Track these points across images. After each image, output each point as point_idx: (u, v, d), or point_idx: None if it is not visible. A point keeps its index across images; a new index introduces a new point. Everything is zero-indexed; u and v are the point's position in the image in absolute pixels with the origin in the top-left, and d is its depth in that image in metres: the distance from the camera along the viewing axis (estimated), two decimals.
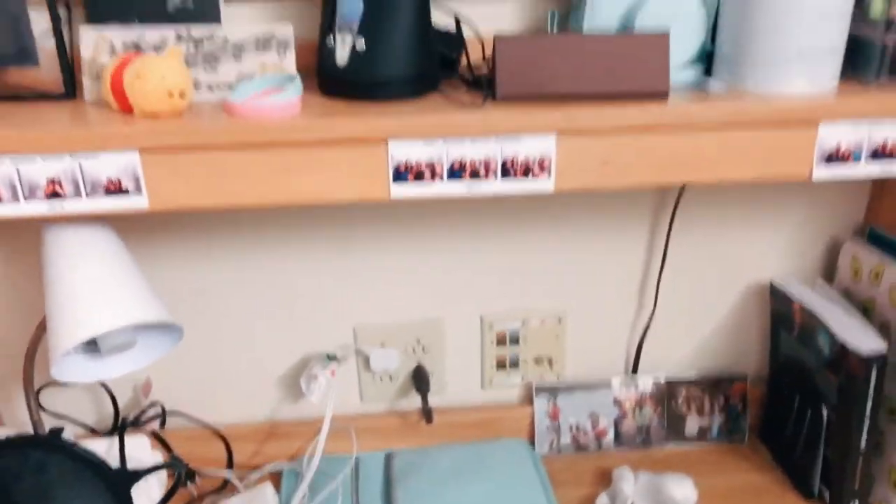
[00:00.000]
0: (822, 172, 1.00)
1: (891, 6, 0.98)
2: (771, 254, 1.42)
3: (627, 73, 0.95)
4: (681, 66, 1.04)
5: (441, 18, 1.05)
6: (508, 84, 0.94)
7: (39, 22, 0.95)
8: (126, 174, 0.87)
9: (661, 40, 0.94)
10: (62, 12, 0.96)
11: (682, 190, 1.33)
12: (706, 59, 1.07)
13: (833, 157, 0.99)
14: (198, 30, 0.94)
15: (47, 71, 0.96)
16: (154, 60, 0.86)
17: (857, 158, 1.00)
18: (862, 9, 0.99)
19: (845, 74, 1.03)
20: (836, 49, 0.97)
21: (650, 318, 1.43)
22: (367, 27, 0.92)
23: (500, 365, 1.44)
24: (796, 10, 0.94)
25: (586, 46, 0.94)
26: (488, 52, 1.07)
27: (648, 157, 0.95)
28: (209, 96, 0.95)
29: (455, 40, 1.04)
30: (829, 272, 1.44)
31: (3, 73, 0.96)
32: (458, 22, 1.04)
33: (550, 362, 1.45)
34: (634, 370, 1.47)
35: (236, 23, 1.08)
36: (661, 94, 0.95)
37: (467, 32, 1.06)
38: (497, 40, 0.93)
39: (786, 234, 1.41)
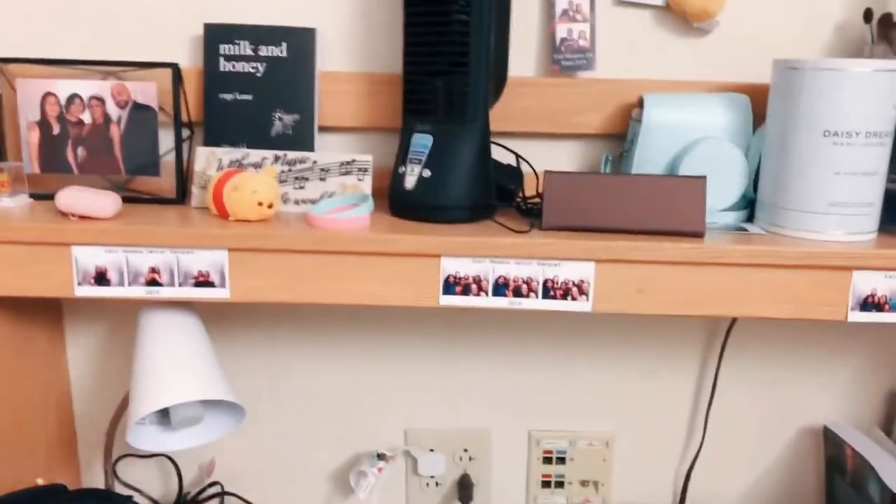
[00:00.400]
0: (857, 316, 1.04)
1: None
2: (826, 396, 1.41)
3: (665, 213, 1.03)
4: (723, 210, 1.12)
5: (504, 155, 1.18)
6: (555, 215, 1.04)
7: (165, 140, 1.14)
8: (214, 269, 1.01)
9: (698, 184, 1.03)
10: (185, 132, 1.15)
11: (733, 321, 1.37)
12: (748, 206, 1.14)
13: (868, 303, 1.03)
14: (293, 154, 1.10)
15: (165, 180, 1.14)
16: (250, 176, 1.02)
17: (894, 306, 1.03)
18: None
19: (885, 227, 1.08)
20: (871, 203, 1.03)
21: (699, 450, 1.43)
22: (434, 160, 1.06)
23: (546, 483, 1.46)
24: (828, 168, 1.02)
25: (628, 186, 1.04)
26: (542, 186, 1.19)
27: (682, 290, 1.02)
28: (295, 209, 1.11)
29: (514, 174, 1.16)
30: (888, 420, 1.41)
31: (130, 179, 1.15)
32: (518, 159, 1.17)
33: (597, 485, 1.46)
34: (682, 502, 1.45)
35: (327, 147, 1.24)
36: (696, 234, 1.03)
37: (526, 168, 1.19)
38: (547, 175, 1.05)
39: (843, 378, 1.41)
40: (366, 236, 1.00)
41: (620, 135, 1.22)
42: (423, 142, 1.07)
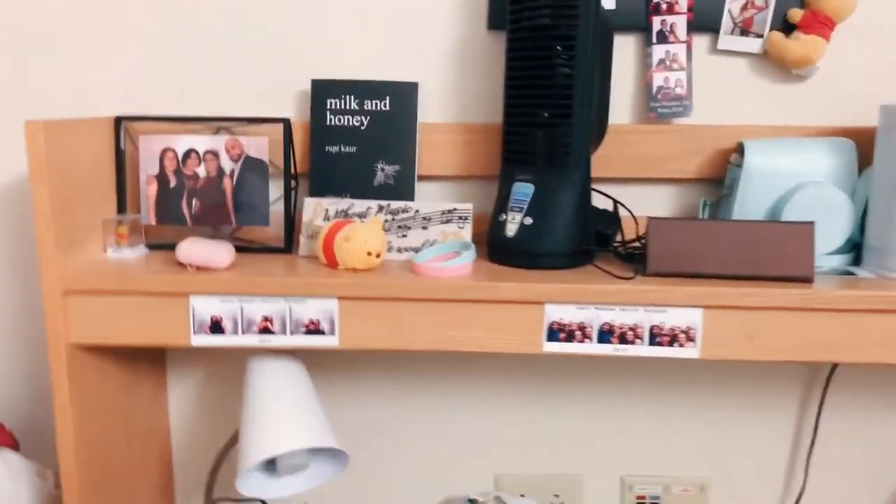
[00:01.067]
0: None
1: None
2: None
3: (773, 258, 1.03)
4: (829, 254, 1.11)
5: (600, 200, 1.19)
6: (659, 261, 1.05)
7: (274, 191, 1.19)
8: (324, 317, 1.04)
9: (806, 229, 1.02)
10: (292, 183, 1.20)
11: (834, 366, 1.34)
12: (854, 249, 1.13)
13: None
14: (396, 203, 1.14)
15: (273, 229, 1.19)
16: (360, 227, 1.06)
17: None
18: None
19: None
20: None
21: (798, 498, 1.38)
22: (535, 207, 1.08)
23: None
24: None
25: (734, 232, 1.04)
26: (641, 231, 1.20)
27: (791, 336, 1.00)
28: (398, 257, 1.14)
29: (611, 219, 1.17)
30: None
31: (239, 229, 1.20)
32: (615, 204, 1.18)
33: None
34: None
35: (425, 196, 1.28)
36: (805, 279, 1.02)
37: (623, 213, 1.20)
38: (651, 222, 1.05)
39: None
40: (470, 284, 1.02)
41: (717, 179, 1.22)
42: (524, 190, 1.09)
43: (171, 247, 1.11)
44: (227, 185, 1.18)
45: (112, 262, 1.11)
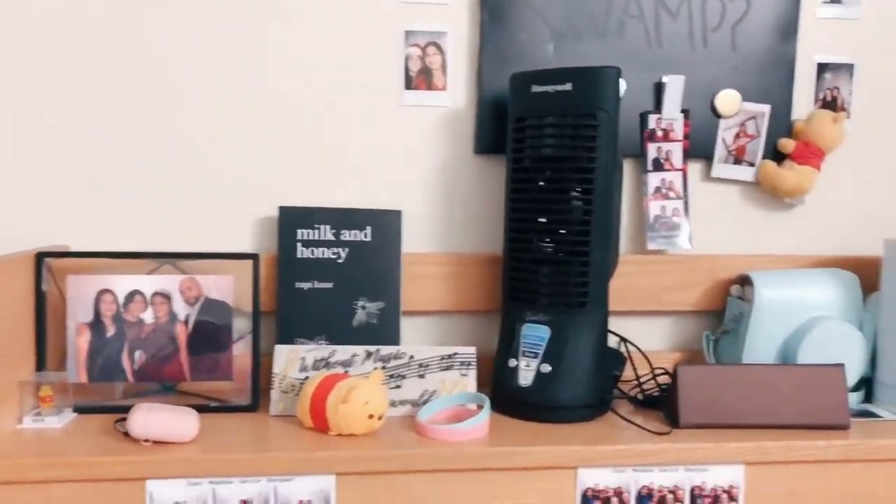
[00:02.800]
0: None
1: None
2: None
3: (806, 405, 0.96)
4: None
5: None
6: (691, 413, 0.95)
7: (237, 338, 1.01)
8: (318, 497, 0.86)
9: (836, 373, 0.97)
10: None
11: None
12: (864, 384, 1.09)
13: None
14: (387, 349, 0.98)
15: (237, 383, 1.00)
16: (358, 384, 0.89)
17: None
18: None
19: None
20: None
21: None
22: (553, 353, 0.96)
23: None
24: None
25: (764, 378, 0.96)
26: (650, 367, 1.10)
27: (833, 489, 0.93)
28: (393, 412, 0.97)
29: (619, 359, 1.07)
30: None
31: (195, 385, 0.99)
32: (622, 341, 1.09)
33: None
34: None
35: (410, 334, 1.13)
36: (841, 426, 0.96)
37: (625, 349, 1.10)
38: (680, 370, 0.96)
39: None
40: (494, 451, 0.88)
41: (716, 311, 1.16)
42: (538, 333, 0.98)
43: (106, 410, 0.90)
44: (181, 332, 0.98)
45: (30, 434, 0.88)
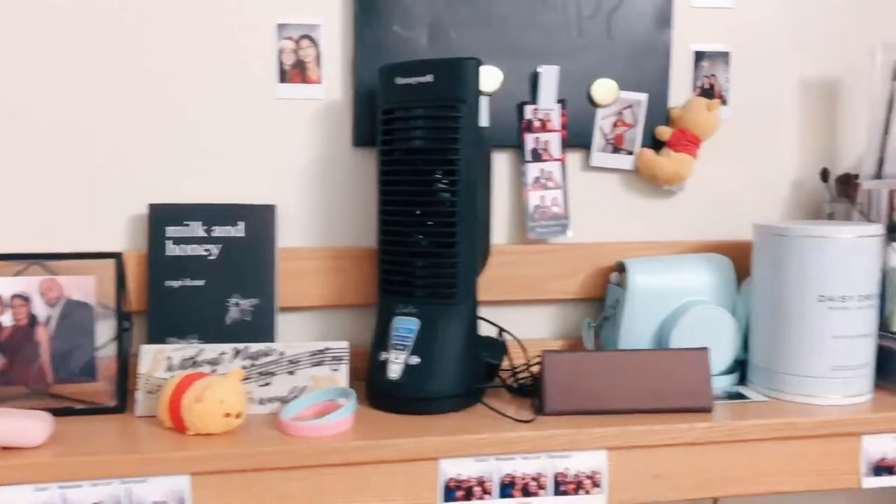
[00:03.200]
0: (871, 482, 0.99)
1: None
2: None
3: (671, 389, 0.97)
4: (716, 375, 1.08)
5: (484, 326, 1.10)
6: (557, 400, 0.96)
7: (102, 338, 0.99)
8: (173, 498, 0.85)
9: (701, 356, 0.98)
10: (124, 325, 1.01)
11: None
12: (738, 367, 1.11)
13: (881, 467, 0.99)
14: (256, 346, 0.98)
15: (102, 385, 0.98)
16: (215, 382, 0.88)
17: None
18: (884, 322, 1.06)
19: (877, 383, 1.06)
20: (867, 364, 1.02)
21: None
22: (422, 345, 0.96)
23: None
24: (827, 333, 0.99)
25: (630, 362, 0.97)
26: (527, 357, 1.11)
27: (698, 471, 0.95)
28: (261, 409, 0.96)
29: (497, 348, 1.08)
30: None
31: (59, 388, 0.97)
32: (501, 331, 1.10)
33: None
34: None
35: (288, 330, 1.12)
36: (704, 409, 0.97)
37: (508, 338, 1.11)
38: (546, 357, 0.97)
39: None
40: (353, 445, 0.87)
41: (598, 299, 1.17)
42: (407, 325, 0.98)
43: None
44: (42, 334, 0.96)
45: None
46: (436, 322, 0.97)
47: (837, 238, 0.99)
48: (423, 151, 0.97)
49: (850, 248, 0.99)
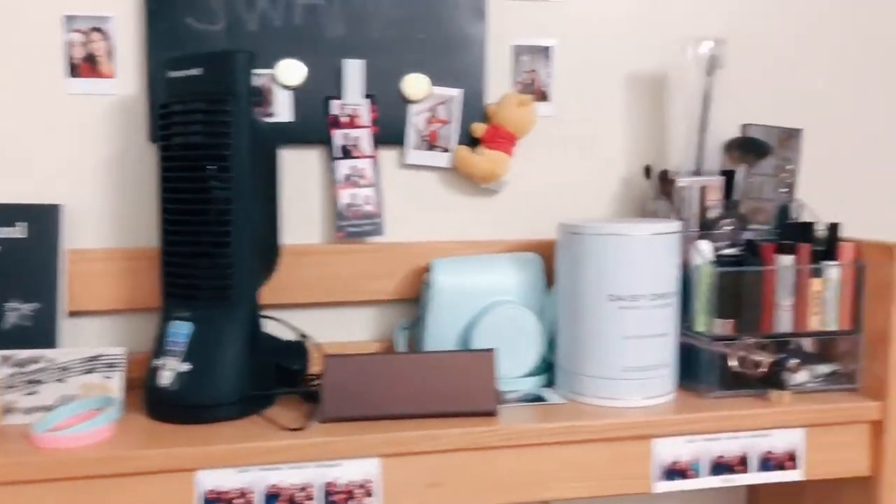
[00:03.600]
0: (662, 486, 0.97)
1: (713, 319, 1.02)
2: None
3: (455, 393, 0.94)
4: (520, 377, 1.05)
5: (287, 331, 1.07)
6: (335, 406, 0.92)
7: None
8: None
9: (486, 358, 0.95)
10: None
11: None
12: (549, 368, 1.08)
13: (673, 471, 0.97)
14: (25, 353, 0.93)
15: None
16: None
17: (697, 471, 0.98)
18: (688, 322, 1.04)
19: (683, 384, 1.05)
20: (665, 364, 1.00)
21: None
22: (194, 351, 0.92)
23: None
24: (618, 333, 0.97)
25: (413, 366, 0.94)
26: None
27: (480, 477, 0.92)
28: (25, 419, 0.92)
29: (298, 353, 1.04)
30: None
31: None
32: (302, 336, 1.06)
33: None
34: None
35: (78, 336, 1.07)
36: (488, 413, 0.94)
37: (314, 343, 1.07)
38: (326, 360, 0.93)
39: None
40: (100, 455, 0.83)
41: (415, 299, 1.14)
42: (181, 330, 0.94)
43: None
44: None
45: None
46: (211, 326, 0.93)
47: (628, 236, 0.96)
48: (196, 147, 0.93)
49: (642, 246, 0.97)
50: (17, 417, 0.92)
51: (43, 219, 1.01)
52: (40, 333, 1.00)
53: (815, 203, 1.15)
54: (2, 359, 0.93)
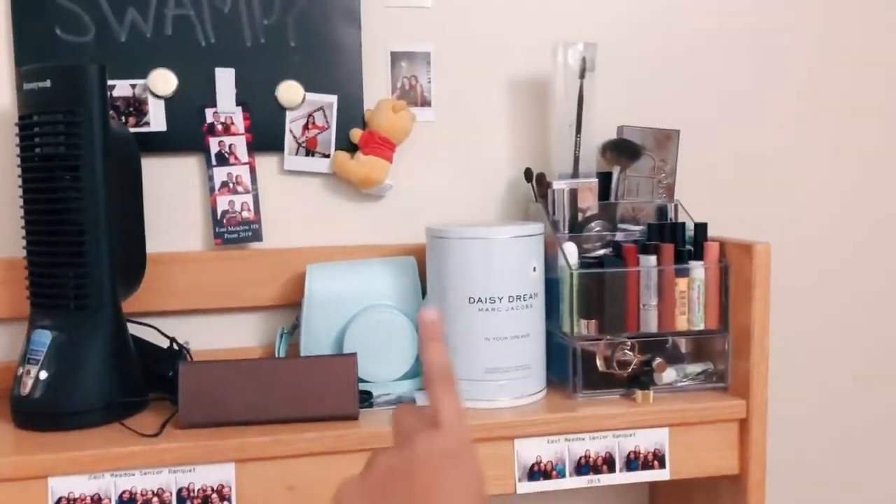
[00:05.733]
0: (526, 487, 0.99)
1: (577, 320, 1.03)
2: None
3: (316, 397, 0.95)
4: (394, 380, 1.06)
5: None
6: (192, 411, 0.94)
7: None
8: None
9: (347, 362, 0.97)
10: None
11: None
12: None
13: (536, 471, 0.98)
14: None
15: None
16: None
17: (562, 471, 0.99)
18: (558, 322, 1.05)
19: (554, 384, 1.06)
20: (528, 365, 1.01)
21: None
22: (53, 359, 0.93)
23: None
24: (478, 334, 0.98)
25: (273, 371, 0.95)
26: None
27: (334, 480, 0.92)
28: None
29: (171, 359, 1.05)
30: None
31: None
32: (174, 343, 1.07)
33: None
34: None
35: None
36: (349, 417, 0.96)
37: (188, 350, 1.08)
38: (181, 367, 0.94)
39: None
40: None
41: (297, 304, 1.15)
42: (41, 339, 0.95)
43: None
44: None
45: None
46: (70, 334, 0.94)
47: (486, 239, 0.98)
48: (51, 158, 0.94)
49: (500, 249, 0.98)
50: None
51: None
52: None
53: (696, 204, 1.16)
54: None
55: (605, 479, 1.01)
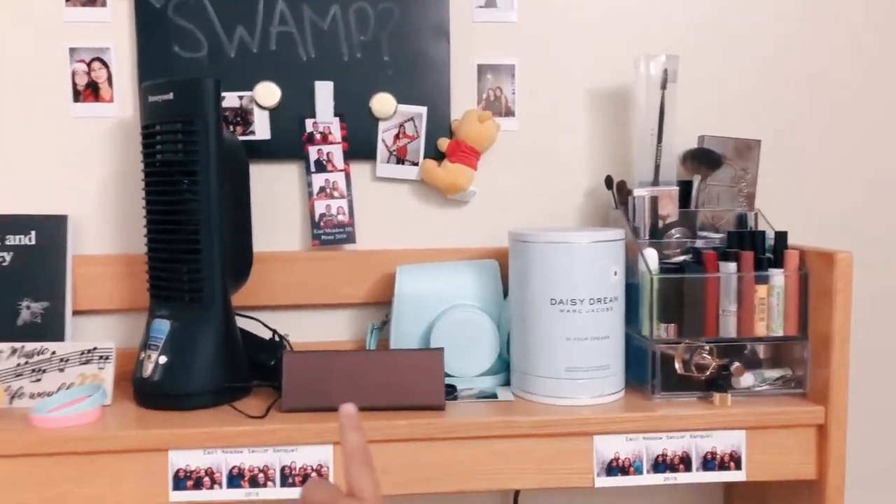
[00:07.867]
0: (604, 482, 1.03)
1: (657, 323, 1.06)
2: None
3: (405, 388, 1.02)
4: (477, 376, 1.12)
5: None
6: (294, 397, 1.02)
7: None
8: None
9: (435, 356, 1.03)
10: None
11: (516, 493, 1.31)
12: (507, 369, 1.14)
13: (614, 467, 1.02)
14: (31, 345, 1.06)
15: None
16: None
17: (639, 468, 1.03)
18: (637, 325, 1.09)
19: (633, 385, 1.09)
20: (607, 365, 1.05)
21: None
22: (171, 345, 1.03)
23: None
24: (560, 335, 1.03)
25: (367, 363, 1.03)
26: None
27: (424, 467, 0.99)
28: (31, 403, 1.05)
29: (273, 349, 1.14)
30: None
31: None
32: (276, 335, 1.16)
33: None
34: None
35: (83, 332, 1.20)
36: (436, 407, 1.02)
37: (289, 341, 1.17)
38: (285, 356, 1.03)
39: None
40: (84, 434, 0.95)
41: (387, 302, 1.23)
42: (160, 327, 1.05)
43: None
44: None
45: None
46: (186, 324, 1.04)
47: (568, 244, 1.02)
48: (171, 164, 1.04)
49: (582, 253, 1.03)
50: (24, 401, 1.05)
51: (51, 228, 1.15)
52: (50, 329, 1.14)
53: (776, 213, 1.18)
54: (12, 350, 1.06)
55: (682, 478, 1.04)
